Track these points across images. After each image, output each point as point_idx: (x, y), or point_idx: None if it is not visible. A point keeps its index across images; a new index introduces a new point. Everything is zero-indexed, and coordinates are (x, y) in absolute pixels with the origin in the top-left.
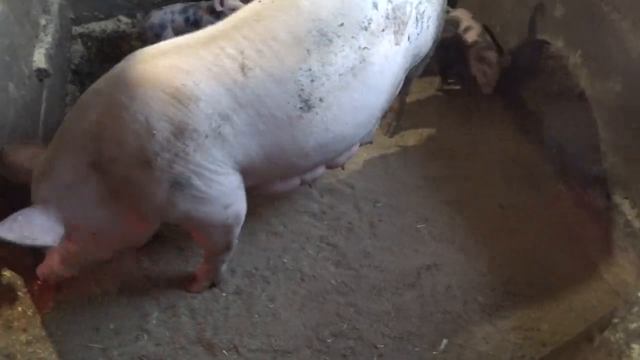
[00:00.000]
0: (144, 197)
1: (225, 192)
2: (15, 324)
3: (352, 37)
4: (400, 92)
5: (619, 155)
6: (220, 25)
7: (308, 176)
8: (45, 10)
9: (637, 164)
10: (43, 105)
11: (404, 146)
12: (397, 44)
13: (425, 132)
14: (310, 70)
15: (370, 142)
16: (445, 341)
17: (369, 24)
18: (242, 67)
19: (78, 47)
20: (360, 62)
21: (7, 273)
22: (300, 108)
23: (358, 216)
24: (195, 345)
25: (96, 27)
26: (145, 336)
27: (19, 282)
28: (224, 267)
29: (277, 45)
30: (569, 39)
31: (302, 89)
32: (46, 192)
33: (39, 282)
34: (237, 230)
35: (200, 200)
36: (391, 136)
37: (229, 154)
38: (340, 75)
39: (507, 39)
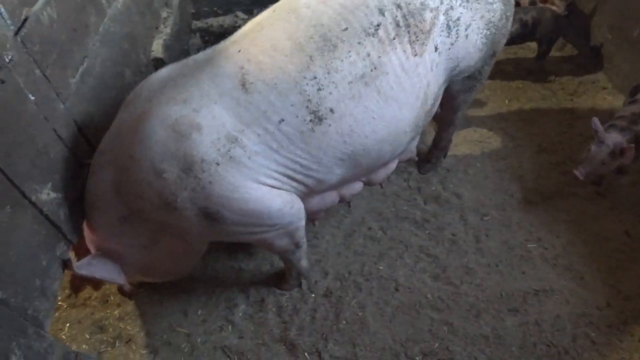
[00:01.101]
0: (184, 233)
1: (265, 216)
2: (112, 298)
3: (359, 43)
4: (443, 122)
5: None
6: (221, 43)
7: (346, 192)
8: (167, 4)
9: None
10: None
11: (521, 158)
12: (416, 54)
13: (544, 143)
14: (315, 78)
15: (412, 160)
16: None
17: (376, 30)
18: (243, 83)
19: (196, 40)
20: (372, 70)
21: None
22: (311, 121)
23: (463, 228)
24: (278, 343)
25: (214, 22)
26: (230, 327)
27: None
28: (304, 264)
29: (278, 55)
30: None
31: (309, 100)
32: (96, 245)
33: None
34: (301, 232)
35: (242, 226)
36: (423, 173)
37: (248, 177)
38: (349, 83)
39: None
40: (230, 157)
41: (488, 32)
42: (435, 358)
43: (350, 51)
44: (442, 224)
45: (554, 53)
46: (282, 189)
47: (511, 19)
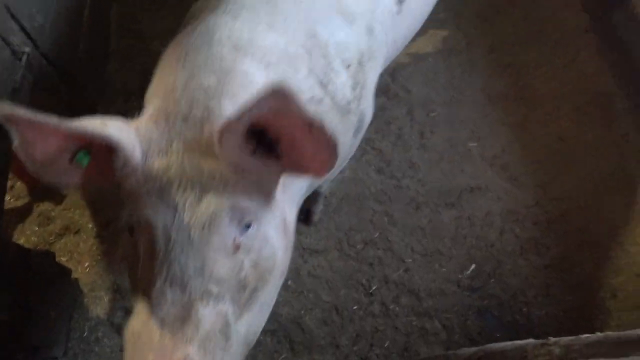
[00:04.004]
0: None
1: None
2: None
3: None
4: None
5: None
6: None
7: None
8: None
9: None
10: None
11: (473, 57)
12: None
13: (498, 44)
14: None
15: None
16: (473, 266)
17: None
18: None
19: None
20: None
21: None
22: (396, 4)
23: (409, 124)
24: None
25: None
26: None
27: None
28: None
29: None
30: None
31: None
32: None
33: None
34: None
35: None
36: None
37: (376, 74)
38: None
39: None
40: (376, 56)
41: None
42: (375, 246)
43: None
44: (389, 118)
45: None
46: None
47: None
